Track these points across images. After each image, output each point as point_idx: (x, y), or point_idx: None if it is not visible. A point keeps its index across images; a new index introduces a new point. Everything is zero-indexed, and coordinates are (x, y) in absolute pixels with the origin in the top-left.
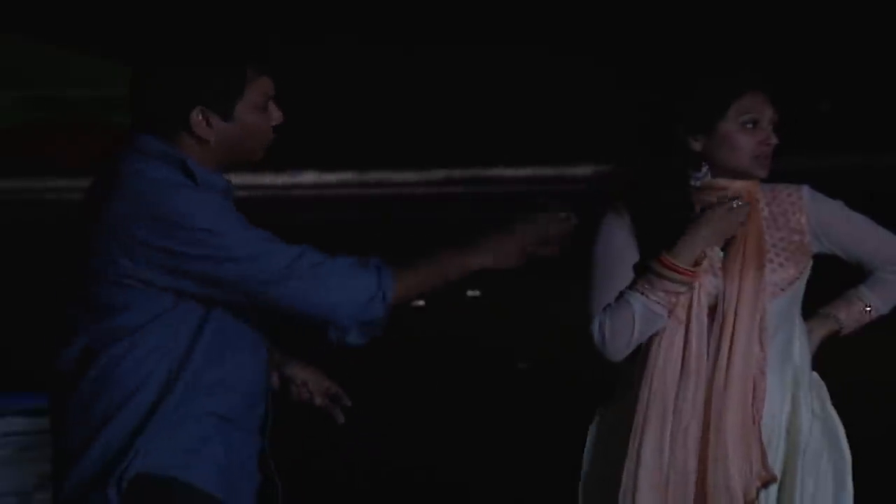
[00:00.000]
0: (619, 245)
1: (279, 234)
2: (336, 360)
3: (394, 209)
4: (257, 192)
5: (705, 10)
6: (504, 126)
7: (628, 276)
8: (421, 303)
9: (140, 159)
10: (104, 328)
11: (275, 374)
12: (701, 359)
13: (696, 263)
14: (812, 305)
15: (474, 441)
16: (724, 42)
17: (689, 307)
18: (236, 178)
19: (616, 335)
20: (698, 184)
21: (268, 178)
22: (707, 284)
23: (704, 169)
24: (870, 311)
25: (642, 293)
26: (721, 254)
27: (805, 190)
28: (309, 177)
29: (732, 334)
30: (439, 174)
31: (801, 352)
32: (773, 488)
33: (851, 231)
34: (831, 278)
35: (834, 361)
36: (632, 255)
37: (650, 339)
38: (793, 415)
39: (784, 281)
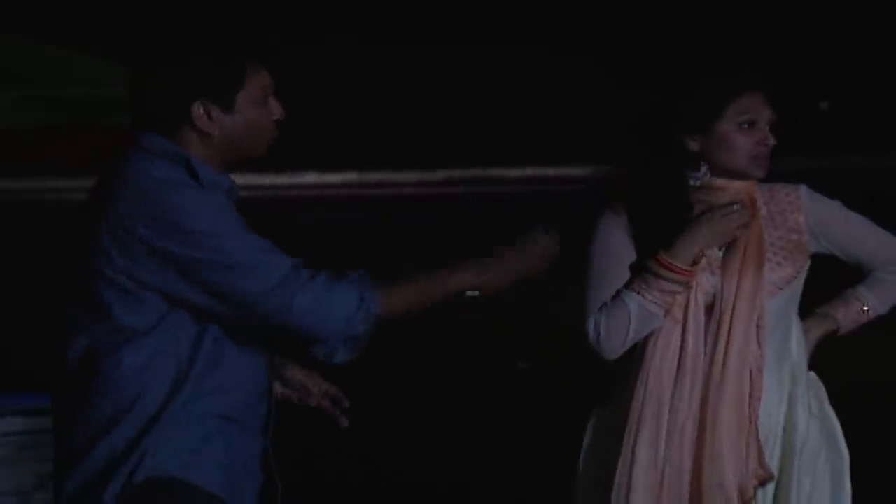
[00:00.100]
0: (616, 245)
1: (280, 235)
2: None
3: (394, 210)
4: (258, 193)
5: (704, 10)
6: (504, 126)
7: (625, 275)
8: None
9: (144, 158)
10: (105, 329)
11: (276, 382)
12: (697, 358)
13: (694, 263)
14: (810, 305)
15: (474, 441)
16: (724, 42)
17: (686, 306)
18: (237, 179)
19: (611, 334)
20: (697, 184)
21: (268, 179)
22: (704, 283)
23: (703, 169)
24: (867, 311)
25: (638, 292)
26: (720, 253)
27: (803, 189)
28: (310, 177)
29: (729, 332)
30: (439, 175)
31: (798, 351)
32: (770, 487)
33: (849, 231)
34: (830, 278)
35: (832, 361)
36: (629, 255)
37: (647, 338)
38: (790, 414)
39: (782, 280)
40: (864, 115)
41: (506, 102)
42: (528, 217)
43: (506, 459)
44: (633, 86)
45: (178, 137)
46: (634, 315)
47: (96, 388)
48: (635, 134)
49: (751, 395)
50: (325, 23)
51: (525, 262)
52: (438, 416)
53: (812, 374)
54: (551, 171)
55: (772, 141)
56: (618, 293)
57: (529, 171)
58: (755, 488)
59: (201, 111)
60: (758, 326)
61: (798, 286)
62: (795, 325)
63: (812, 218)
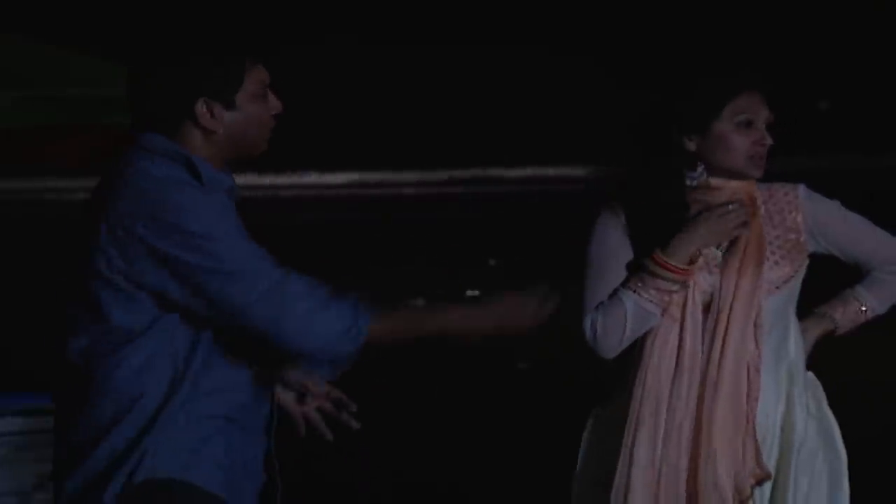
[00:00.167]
0: (613, 244)
1: (280, 235)
2: None
3: (394, 209)
4: (258, 193)
5: (704, 10)
6: (504, 126)
7: (622, 274)
8: (420, 301)
9: (145, 157)
10: (104, 329)
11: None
12: (695, 357)
13: (691, 262)
14: (809, 305)
15: (474, 441)
16: (722, 42)
17: (684, 305)
18: (238, 179)
19: (608, 332)
20: (694, 183)
21: (269, 179)
22: (702, 282)
23: (700, 169)
24: (865, 311)
25: (635, 291)
26: (719, 253)
27: (801, 189)
28: (310, 177)
29: (726, 330)
30: (440, 175)
31: (795, 350)
32: (767, 486)
33: (848, 231)
34: (829, 278)
35: (830, 361)
36: (626, 254)
37: (644, 337)
38: (787, 413)
39: (780, 279)
40: (863, 115)
41: (506, 102)
42: (527, 217)
43: (506, 459)
44: (633, 86)
45: (179, 136)
46: (631, 313)
47: (96, 389)
48: (634, 134)
49: (748, 395)
50: (325, 23)
51: (516, 318)
52: (438, 416)
53: (810, 373)
54: (551, 171)
55: (769, 141)
56: (614, 292)
57: (529, 171)
58: (752, 488)
59: (204, 109)
60: (755, 325)
61: (796, 286)
62: (793, 325)
63: (810, 217)
